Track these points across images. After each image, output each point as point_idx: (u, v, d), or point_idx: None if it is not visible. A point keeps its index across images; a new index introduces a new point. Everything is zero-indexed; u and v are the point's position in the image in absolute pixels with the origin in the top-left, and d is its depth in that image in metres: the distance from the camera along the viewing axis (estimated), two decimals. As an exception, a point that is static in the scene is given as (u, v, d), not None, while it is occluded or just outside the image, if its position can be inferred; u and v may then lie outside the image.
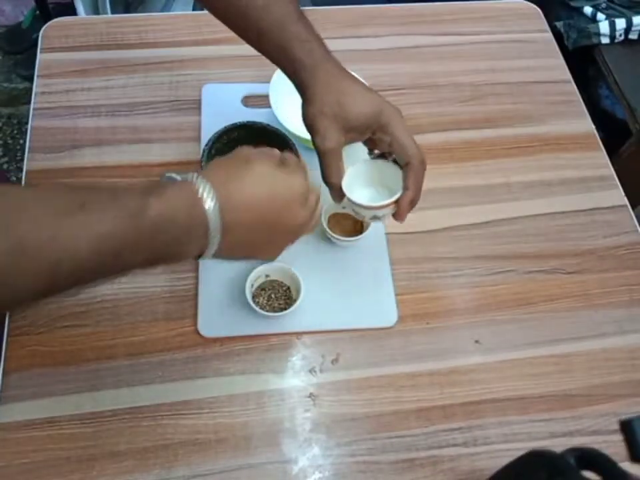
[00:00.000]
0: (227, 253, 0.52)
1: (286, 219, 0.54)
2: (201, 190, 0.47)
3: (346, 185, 0.65)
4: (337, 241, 0.78)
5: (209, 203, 0.47)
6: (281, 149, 0.76)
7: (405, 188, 0.64)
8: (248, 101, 0.92)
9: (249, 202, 0.50)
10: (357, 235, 0.78)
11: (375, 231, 0.79)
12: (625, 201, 0.89)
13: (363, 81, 0.87)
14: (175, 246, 0.48)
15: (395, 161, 0.66)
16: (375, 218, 0.68)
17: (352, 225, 0.80)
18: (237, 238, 0.50)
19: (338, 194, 0.65)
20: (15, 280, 0.41)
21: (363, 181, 0.69)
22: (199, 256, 0.50)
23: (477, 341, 0.76)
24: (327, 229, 0.77)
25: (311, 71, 0.62)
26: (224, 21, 0.69)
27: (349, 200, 0.65)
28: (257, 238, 0.53)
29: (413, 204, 0.65)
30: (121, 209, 0.44)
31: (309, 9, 1.05)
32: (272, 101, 0.84)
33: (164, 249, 0.47)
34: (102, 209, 0.44)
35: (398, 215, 0.66)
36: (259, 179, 0.51)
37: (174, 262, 0.50)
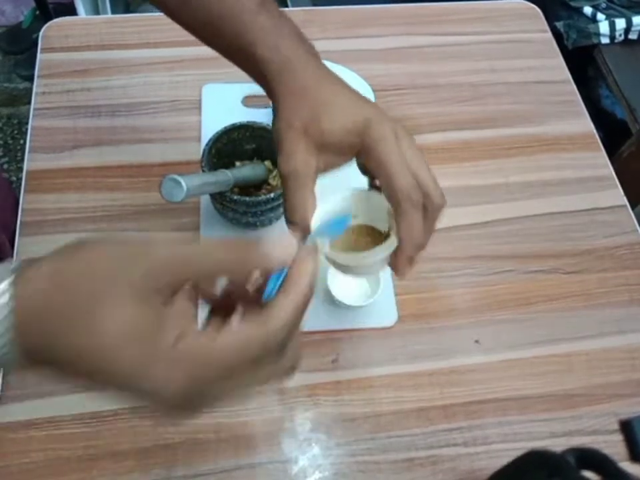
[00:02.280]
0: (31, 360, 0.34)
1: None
2: None
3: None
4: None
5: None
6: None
7: (399, 239, 0.47)
8: (248, 100, 0.92)
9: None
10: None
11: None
12: (625, 201, 0.89)
13: (363, 83, 0.87)
14: None
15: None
16: (358, 273, 0.54)
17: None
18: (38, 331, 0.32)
19: (301, 237, 0.44)
20: None
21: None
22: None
23: (476, 341, 0.76)
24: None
25: (279, 72, 0.48)
26: (179, 20, 0.56)
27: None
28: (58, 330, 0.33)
29: (412, 258, 0.48)
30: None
31: (308, 9, 1.06)
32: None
33: None
34: None
35: (395, 271, 0.49)
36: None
37: None
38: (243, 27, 0.49)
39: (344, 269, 0.49)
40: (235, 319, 0.35)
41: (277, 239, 0.36)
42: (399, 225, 0.46)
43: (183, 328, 0.33)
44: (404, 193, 0.45)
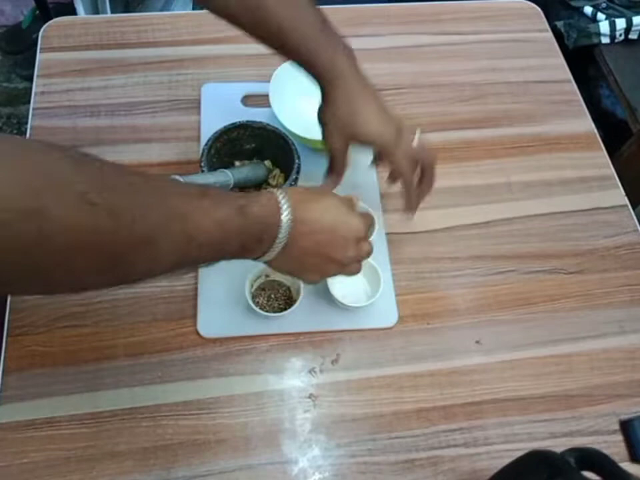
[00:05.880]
0: (277, 264, 0.56)
1: (337, 253, 0.58)
2: (282, 202, 0.53)
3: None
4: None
5: (285, 215, 0.52)
6: (281, 148, 0.77)
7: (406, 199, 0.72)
8: (248, 100, 0.92)
9: (315, 225, 0.55)
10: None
11: (376, 232, 0.79)
12: (626, 200, 0.89)
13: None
14: (251, 243, 0.52)
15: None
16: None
17: None
18: (292, 254, 0.55)
19: (334, 180, 0.72)
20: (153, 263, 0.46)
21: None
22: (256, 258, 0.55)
23: (477, 341, 0.76)
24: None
25: (332, 81, 0.66)
26: (238, 23, 0.68)
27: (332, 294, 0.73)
28: (307, 260, 0.57)
29: (416, 198, 0.73)
30: (232, 202, 0.50)
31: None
32: (272, 100, 0.84)
33: (243, 245, 0.52)
34: (221, 200, 0.50)
35: (409, 210, 0.74)
36: (329, 208, 0.57)
37: (240, 258, 0.54)
38: (309, 39, 0.65)
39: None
40: None
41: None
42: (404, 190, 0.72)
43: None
44: (407, 177, 0.70)
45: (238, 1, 0.65)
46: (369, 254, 0.61)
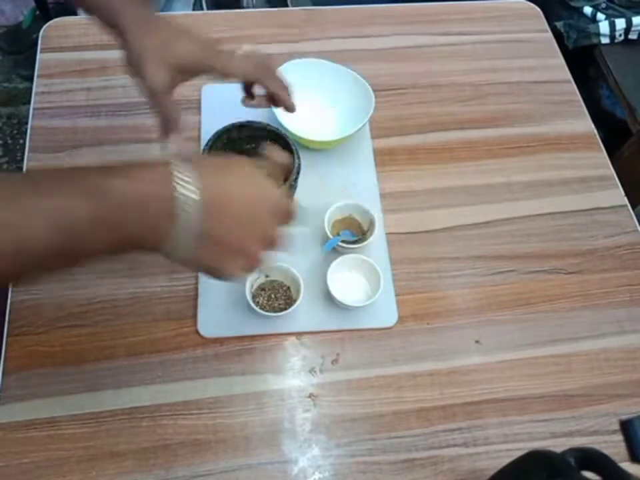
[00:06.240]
0: (195, 252, 0.48)
1: (257, 223, 0.50)
2: (180, 175, 0.45)
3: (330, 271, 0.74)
4: (341, 248, 0.78)
5: (187, 189, 0.44)
6: (281, 148, 0.77)
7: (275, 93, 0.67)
8: (248, 101, 0.92)
9: (228, 197, 0.48)
10: (360, 242, 0.78)
11: (376, 232, 0.79)
12: (625, 200, 0.89)
13: (363, 83, 0.87)
14: (140, 229, 0.45)
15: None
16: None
17: (356, 229, 0.80)
18: (208, 232, 0.47)
19: (173, 128, 0.64)
20: None
21: (345, 269, 0.76)
22: (168, 251, 0.47)
23: (477, 341, 0.76)
24: (330, 235, 0.77)
25: (131, 16, 0.62)
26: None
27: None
28: (226, 238, 0.49)
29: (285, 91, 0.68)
30: (78, 188, 0.42)
31: (308, 9, 1.05)
32: (272, 100, 0.84)
33: (128, 231, 0.45)
34: (54, 190, 0.42)
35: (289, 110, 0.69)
36: (243, 177, 0.50)
37: (141, 250, 0.47)
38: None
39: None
40: None
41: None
42: (268, 87, 0.67)
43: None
44: (244, 73, 0.66)
45: None
46: (289, 218, 0.53)
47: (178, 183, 0.44)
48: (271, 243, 0.52)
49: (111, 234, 0.44)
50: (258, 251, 0.51)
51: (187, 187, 0.44)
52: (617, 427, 0.72)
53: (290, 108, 0.69)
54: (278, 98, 0.68)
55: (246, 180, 0.50)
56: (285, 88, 0.68)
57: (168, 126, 0.63)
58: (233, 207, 0.48)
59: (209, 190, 0.46)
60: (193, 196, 0.44)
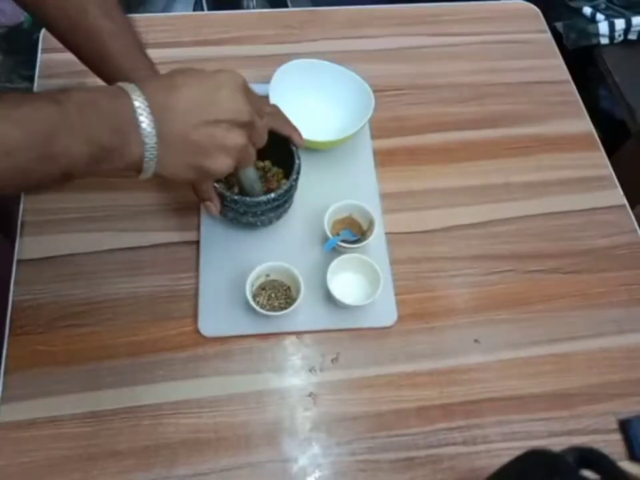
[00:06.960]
0: (171, 159, 0.52)
1: (213, 111, 0.53)
2: (130, 85, 0.51)
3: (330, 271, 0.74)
4: (340, 248, 0.78)
5: (136, 94, 0.50)
6: (281, 148, 0.77)
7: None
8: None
9: (175, 93, 0.52)
10: (360, 242, 0.78)
11: (375, 232, 0.79)
12: (624, 201, 0.90)
13: (363, 83, 0.87)
14: (106, 133, 0.48)
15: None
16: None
17: (356, 229, 0.81)
18: (170, 131, 0.50)
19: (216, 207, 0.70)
20: None
21: (345, 268, 0.77)
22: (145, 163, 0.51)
23: (476, 341, 0.76)
24: (330, 235, 0.77)
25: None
26: (63, 40, 0.70)
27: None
28: (191, 134, 0.52)
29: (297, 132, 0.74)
30: (40, 98, 0.48)
31: (308, 9, 1.06)
32: (272, 100, 0.84)
33: (97, 134, 0.48)
34: (21, 101, 0.47)
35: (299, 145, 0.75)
36: (189, 76, 0.54)
37: (118, 164, 0.50)
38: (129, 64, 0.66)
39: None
40: None
41: None
42: (281, 131, 0.72)
43: None
44: (275, 126, 0.70)
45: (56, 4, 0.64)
46: (258, 137, 0.58)
47: (129, 90, 0.50)
48: (243, 127, 0.54)
49: (79, 137, 0.47)
50: (235, 140, 0.54)
51: (136, 92, 0.49)
52: (615, 426, 0.72)
53: (301, 146, 0.75)
54: (291, 139, 0.74)
55: (190, 77, 0.53)
56: (296, 129, 0.74)
57: (210, 209, 0.70)
58: (182, 101, 0.51)
59: (158, 92, 0.50)
60: (142, 98, 0.49)
